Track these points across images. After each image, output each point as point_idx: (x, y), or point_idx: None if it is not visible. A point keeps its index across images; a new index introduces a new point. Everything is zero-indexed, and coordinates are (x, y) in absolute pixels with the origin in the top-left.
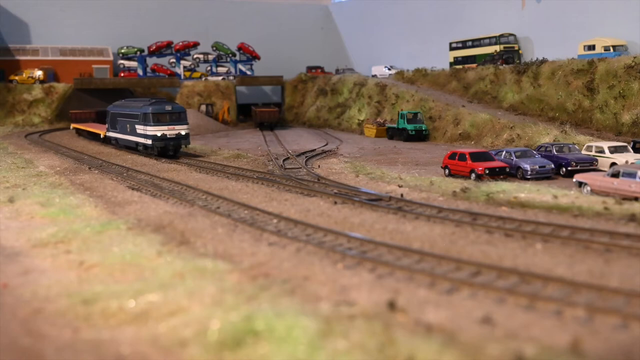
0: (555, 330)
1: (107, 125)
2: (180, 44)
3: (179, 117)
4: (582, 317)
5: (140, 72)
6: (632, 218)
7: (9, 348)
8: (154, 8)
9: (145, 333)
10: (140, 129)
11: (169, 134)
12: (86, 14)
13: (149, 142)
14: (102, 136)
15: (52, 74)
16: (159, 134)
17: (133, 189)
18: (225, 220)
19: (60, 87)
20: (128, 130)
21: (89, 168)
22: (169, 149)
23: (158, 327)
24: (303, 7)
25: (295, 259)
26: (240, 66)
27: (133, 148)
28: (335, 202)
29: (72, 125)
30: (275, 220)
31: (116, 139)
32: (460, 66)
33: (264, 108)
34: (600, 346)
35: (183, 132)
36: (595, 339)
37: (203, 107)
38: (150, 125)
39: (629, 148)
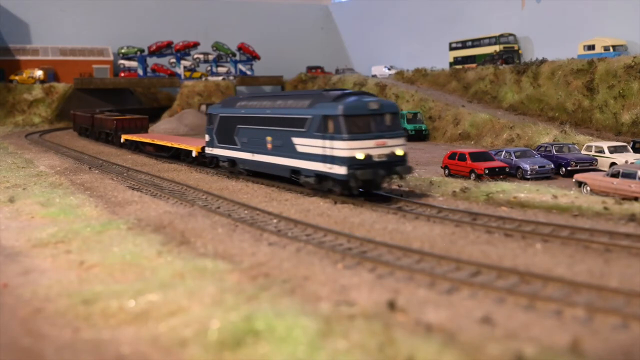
0: (555, 330)
1: (208, 137)
2: (181, 44)
3: (390, 121)
4: (582, 317)
5: (140, 72)
6: (631, 218)
7: (9, 348)
8: (154, 8)
9: (145, 333)
10: (309, 145)
11: (378, 156)
12: (86, 14)
13: (339, 171)
14: (194, 154)
15: (52, 74)
16: (359, 155)
17: (133, 189)
18: (226, 220)
19: (61, 87)
20: (270, 146)
21: (89, 168)
22: (377, 184)
23: (158, 327)
24: (303, 7)
25: (295, 258)
26: (240, 66)
27: (276, 178)
28: (335, 202)
29: (124, 137)
30: (275, 220)
31: (234, 160)
32: (460, 66)
33: None
34: (600, 346)
35: (398, 151)
36: (595, 339)
37: (203, 107)
38: (341, 140)
39: (629, 148)
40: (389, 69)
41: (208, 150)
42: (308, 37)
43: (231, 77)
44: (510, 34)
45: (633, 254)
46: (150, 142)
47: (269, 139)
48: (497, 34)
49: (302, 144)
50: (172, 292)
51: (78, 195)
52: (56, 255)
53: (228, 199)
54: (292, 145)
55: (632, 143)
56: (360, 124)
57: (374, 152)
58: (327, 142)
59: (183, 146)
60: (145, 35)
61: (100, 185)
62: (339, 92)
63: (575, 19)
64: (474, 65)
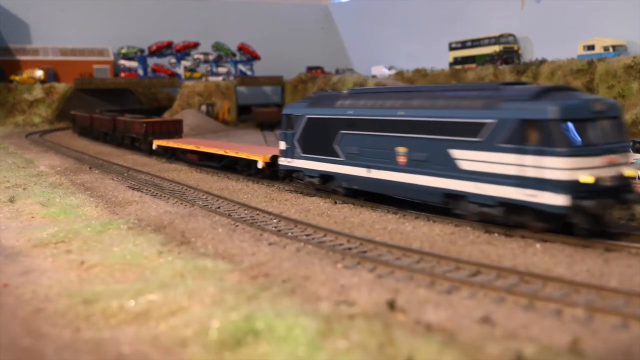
0: (555, 330)
1: (284, 145)
2: (181, 44)
3: (617, 129)
4: (582, 317)
5: (140, 72)
6: (631, 218)
7: (9, 348)
8: (154, 8)
9: (145, 333)
10: (488, 162)
11: (609, 179)
12: (86, 14)
13: (552, 200)
14: (261, 165)
15: (52, 74)
16: (587, 178)
17: (134, 189)
18: (226, 220)
19: (61, 87)
20: (404, 160)
21: (90, 168)
22: (604, 218)
23: (158, 326)
24: (303, 7)
25: (295, 258)
26: (240, 66)
27: (409, 203)
28: (335, 202)
29: (156, 143)
30: (275, 220)
31: (332, 175)
32: (460, 66)
33: (263, 108)
34: (600, 346)
35: (628, 172)
36: (595, 338)
37: (203, 107)
38: (558, 155)
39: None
40: (388, 69)
41: (284, 161)
42: (308, 37)
43: (231, 78)
44: (510, 34)
45: (633, 254)
46: (195, 149)
47: (401, 149)
48: (497, 34)
49: (472, 158)
50: (173, 292)
51: (78, 195)
52: (56, 255)
53: (228, 199)
54: (450, 159)
55: (632, 143)
56: (583, 132)
57: (604, 174)
58: (529, 159)
59: (243, 155)
60: (145, 35)
61: (100, 185)
62: (535, 87)
63: (575, 19)
64: (473, 65)
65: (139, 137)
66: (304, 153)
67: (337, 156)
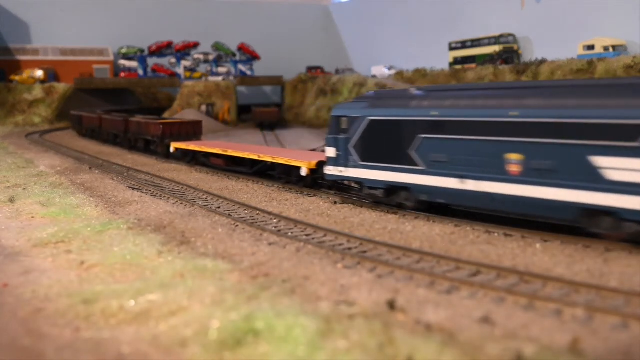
0: (555, 329)
1: (334, 152)
2: (181, 44)
3: None
4: (582, 317)
5: (140, 72)
6: None
7: (9, 348)
8: (154, 8)
9: (145, 332)
10: None
11: None
12: (86, 14)
13: None
14: (305, 173)
15: (52, 74)
16: None
17: (134, 188)
18: (226, 220)
19: (61, 87)
20: (518, 170)
21: (90, 168)
22: None
23: (158, 326)
24: (303, 7)
25: (295, 258)
26: (240, 66)
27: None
28: (335, 202)
29: (174, 146)
30: (275, 220)
31: (407, 187)
32: (460, 66)
33: (262, 108)
34: (600, 346)
35: None
36: (595, 338)
37: (203, 107)
38: None
39: None
40: (388, 69)
41: (334, 170)
42: (308, 37)
43: (231, 78)
44: (510, 34)
45: (633, 253)
46: (221, 152)
47: (513, 157)
48: (497, 34)
49: (627, 167)
50: (173, 291)
51: (78, 195)
52: (56, 255)
53: (228, 199)
54: (592, 168)
55: None
56: None
57: None
58: None
59: (281, 160)
60: (145, 35)
61: (100, 185)
62: None
63: (575, 19)
64: (473, 65)
65: (155, 139)
66: (363, 161)
67: (415, 164)
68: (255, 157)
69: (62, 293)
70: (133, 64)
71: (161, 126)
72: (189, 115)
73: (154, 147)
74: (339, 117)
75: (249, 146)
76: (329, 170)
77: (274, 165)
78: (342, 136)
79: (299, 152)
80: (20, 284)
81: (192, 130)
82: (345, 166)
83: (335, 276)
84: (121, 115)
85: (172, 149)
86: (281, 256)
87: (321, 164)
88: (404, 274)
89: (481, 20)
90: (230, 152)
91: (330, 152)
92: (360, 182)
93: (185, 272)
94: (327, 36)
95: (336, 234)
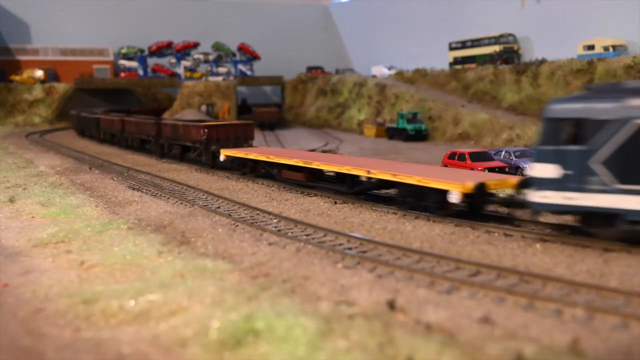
0: (555, 329)
1: (554, 170)
2: (181, 44)
3: None
4: (582, 317)
5: (140, 72)
6: None
7: (9, 348)
8: (154, 8)
9: (145, 332)
10: None
11: None
12: (86, 14)
13: None
14: (456, 198)
15: (52, 74)
16: None
17: (134, 188)
18: (226, 220)
19: (61, 87)
20: None
21: (90, 168)
22: None
23: (158, 326)
24: (303, 7)
25: (295, 258)
26: (240, 66)
27: None
28: (335, 202)
29: (225, 153)
30: (275, 220)
31: None
32: (460, 66)
33: (263, 108)
34: (600, 346)
35: None
36: (595, 338)
37: (203, 107)
38: None
39: None
40: (388, 69)
41: (556, 196)
42: (308, 37)
43: (231, 78)
44: (510, 34)
45: (633, 253)
46: (303, 165)
47: None
48: (496, 34)
49: None
50: (173, 291)
51: (78, 195)
52: (56, 255)
53: (228, 198)
54: None
55: None
56: None
57: None
58: None
59: (412, 180)
60: (145, 35)
61: (100, 185)
62: None
63: (575, 19)
64: (473, 65)
65: (198, 145)
66: (625, 183)
67: None
68: (363, 173)
69: (62, 293)
70: (133, 64)
71: (205, 130)
72: (189, 115)
73: (196, 154)
74: (565, 119)
75: (345, 157)
76: (545, 197)
77: (392, 184)
78: (572, 148)
79: (433, 168)
80: (20, 284)
81: (242, 134)
82: (581, 191)
83: (335, 276)
84: (154, 117)
85: (221, 157)
86: (281, 256)
87: (481, 187)
88: (404, 274)
89: (481, 20)
90: (321, 166)
91: (546, 170)
92: (613, 213)
93: (185, 272)
94: (327, 36)
95: (336, 234)
